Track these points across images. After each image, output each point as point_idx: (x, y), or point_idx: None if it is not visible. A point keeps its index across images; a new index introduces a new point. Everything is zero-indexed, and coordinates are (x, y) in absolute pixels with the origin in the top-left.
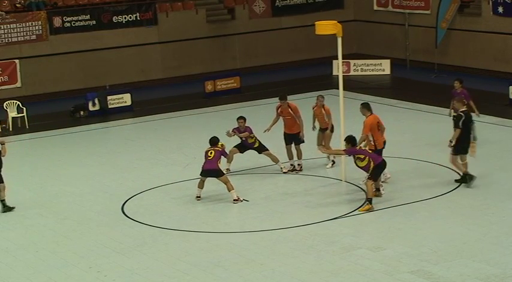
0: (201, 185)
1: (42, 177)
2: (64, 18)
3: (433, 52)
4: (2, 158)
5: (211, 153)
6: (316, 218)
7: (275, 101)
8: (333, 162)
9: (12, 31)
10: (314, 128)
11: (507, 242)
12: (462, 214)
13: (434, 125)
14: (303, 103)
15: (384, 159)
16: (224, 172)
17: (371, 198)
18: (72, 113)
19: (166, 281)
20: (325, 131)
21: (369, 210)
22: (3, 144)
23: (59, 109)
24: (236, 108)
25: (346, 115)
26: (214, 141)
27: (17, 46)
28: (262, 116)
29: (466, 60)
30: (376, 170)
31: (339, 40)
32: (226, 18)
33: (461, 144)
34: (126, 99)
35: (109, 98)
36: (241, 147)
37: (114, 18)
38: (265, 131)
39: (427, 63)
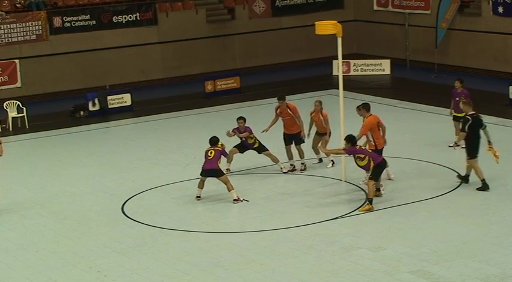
0: (201, 185)
1: (42, 177)
2: (64, 18)
3: (433, 52)
4: None
5: (211, 153)
6: (316, 218)
7: (275, 101)
8: (332, 162)
9: (12, 31)
10: (309, 135)
11: (507, 242)
12: (462, 214)
13: (434, 125)
14: (303, 103)
15: (384, 159)
16: (224, 172)
17: (371, 199)
18: (72, 113)
19: (166, 281)
20: (323, 135)
21: (369, 210)
22: (0, 144)
23: (59, 109)
24: (236, 108)
25: (346, 115)
26: (214, 141)
27: (17, 46)
28: (262, 116)
29: (466, 60)
30: (376, 169)
31: (339, 40)
32: (226, 18)
33: (473, 148)
34: (126, 99)
35: (109, 98)
36: (241, 148)
37: (114, 18)
38: (263, 131)
39: (427, 63)
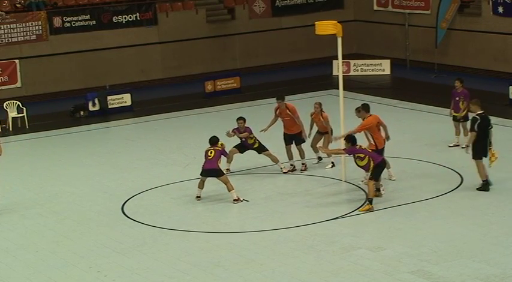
0: (201, 185)
1: (42, 177)
2: (64, 18)
3: (433, 52)
4: None
5: (211, 152)
6: (316, 218)
7: (275, 101)
8: (332, 163)
9: (12, 31)
10: (310, 135)
11: (507, 242)
12: (462, 214)
13: (434, 125)
14: (303, 103)
15: (384, 159)
16: (224, 172)
17: (371, 199)
18: (72, 113)
19: (166, 281)
20: (325, 134)
21: (369, 210)
22: None
23: (59, 109)
24: (236, 108)
25: (346, 115)
26: (214, 140)
27: (17, 46)
28: (262, 116)
29: (466, 60)
30: (376, 169)
31: (339, 40)
32: (226, 18)
33: (480, 148)
34: (126, 99)
35: (109, 98)
36: (241, 148)
37: (114, 18)
38: (261, 130)
39: (427, 63)
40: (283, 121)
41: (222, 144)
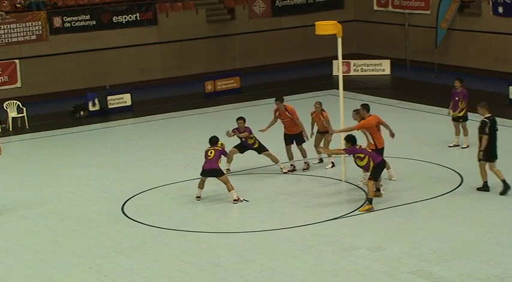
0: (201, 185)
1: (42, 177)
2: (64, 18)
3: (433, 52)
4: None
5: (211, 152)
6: (316, 218)
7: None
8: (332, 163)
9: (12, 31)
10: (312, 134)
11: (507, 242)
12: (462, 214)
13: (434, 125)
14: (303, 103)
15: (383, 159)
16: (224, 172)
17: (371, 199)
18: (72, 113)
19: (166, 281)
20: (325, 133)
21: (369, 210)
22: None
23: (59, 109)
24: (236, 108)
25: (346, 115)
26: (214, 140)
27: (17, 46)
28: (262, 116)
29: (466, 60)
30: (376, 169)
31: (339, 40)
32: (226, 18)
33: (491, 151)
34: (126, 99)
35: (109, 98)
36: (241, 148)
37: (114, 18)
38: (260, 130)
39: (427, 63)
40: (283, 122)
41: (222, 144)
